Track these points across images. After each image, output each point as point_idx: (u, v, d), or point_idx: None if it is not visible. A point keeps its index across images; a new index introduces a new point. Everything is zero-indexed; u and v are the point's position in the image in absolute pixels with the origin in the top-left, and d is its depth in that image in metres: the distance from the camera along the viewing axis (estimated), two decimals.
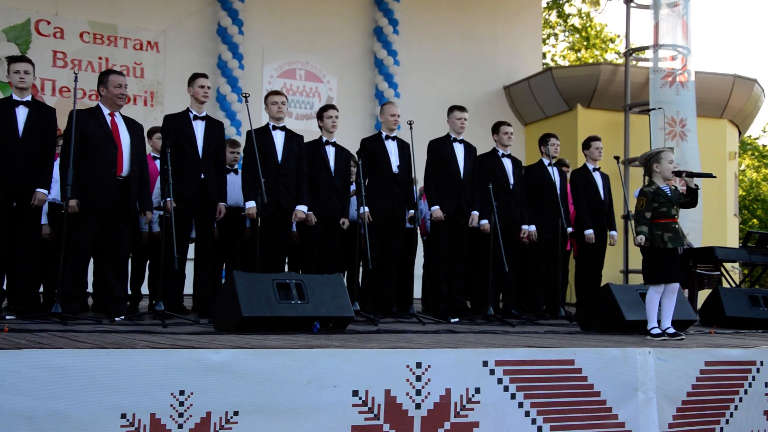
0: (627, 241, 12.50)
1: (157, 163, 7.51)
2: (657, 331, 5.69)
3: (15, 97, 6.27)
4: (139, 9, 12.46)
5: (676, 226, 5.85)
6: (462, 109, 7.88)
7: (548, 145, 8.23)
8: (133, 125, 6.53)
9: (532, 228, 8.04)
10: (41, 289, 7.11)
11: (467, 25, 14.93)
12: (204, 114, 6.92)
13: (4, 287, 6.92)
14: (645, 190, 5.91)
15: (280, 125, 7.08)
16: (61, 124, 6.53)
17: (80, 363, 3.46)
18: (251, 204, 6.75)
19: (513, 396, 4.22)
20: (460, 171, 7.67)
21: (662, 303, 5.81)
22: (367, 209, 7.05)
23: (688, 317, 6.54)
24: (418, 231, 8.37)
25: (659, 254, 5.79)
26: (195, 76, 6.98)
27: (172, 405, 3.55)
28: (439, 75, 14.33)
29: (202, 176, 6.73)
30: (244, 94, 6.61)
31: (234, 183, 7.34)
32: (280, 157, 6.96)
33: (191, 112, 6.87)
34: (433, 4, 14.68)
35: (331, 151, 7.41)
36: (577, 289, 8.44)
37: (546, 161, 8.28)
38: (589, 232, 8.21)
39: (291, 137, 7.10)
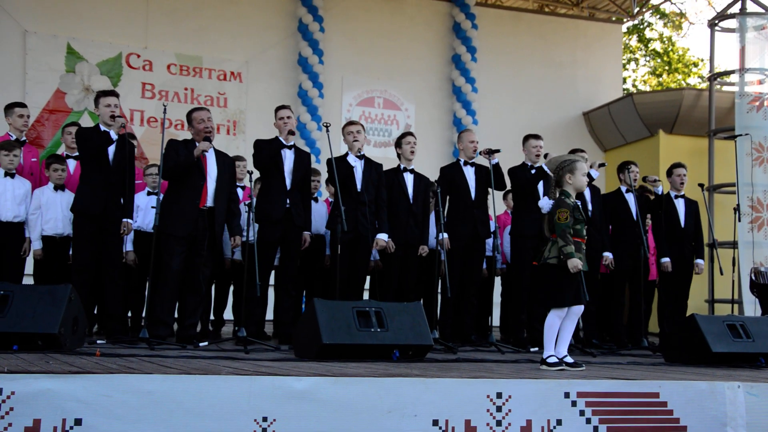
0: (712, 270, 12.06)
1: (238, 190, 7.69)
2: (554, 360, 5.14)
3: (104, 129, 6.42)
4: (224, 41, 12.82)
5: (584, 247, 5.32)
6: (537, 137, 7.81)
7: (628, 172, 8.08)
8: (223, 159, 6.69)
9: (610, 255, 7.90)
10: (129, 314, 7.34)
11: (546, 51, 14.84)
12: (292, 143, 7.02)
13: (95, 312, 7.18)
14: (568, 203, 5.19)
15: (359, 154, 7.15)
16: (149, 152, 6.74)
17: (168, 388, 3.56)
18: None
19: (596, 429, 4.15)
20: (540, 197, 7.63)
21: (562, 327, 5.21)
22: (446, 235, 7.05)
23: None
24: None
25: (567, 275, 5.13)
26: (276, 109, 7.12)
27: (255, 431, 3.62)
28: (518, 101, 14.26)
29: (288, 203, 6.83)
30: (324, 123, 6.69)
31: (314, 211, 7.42)
32: (359, 185, 7.03)
33: (280, 140, 6.96)
34: (512, 31, 14.66)
35: (409, 178, 7.45)
36: (660, 319, 8.23)
37: (624, 188, 8.14)
38: (666, 260, 8.04)
39: (370, 165, 7.17)
